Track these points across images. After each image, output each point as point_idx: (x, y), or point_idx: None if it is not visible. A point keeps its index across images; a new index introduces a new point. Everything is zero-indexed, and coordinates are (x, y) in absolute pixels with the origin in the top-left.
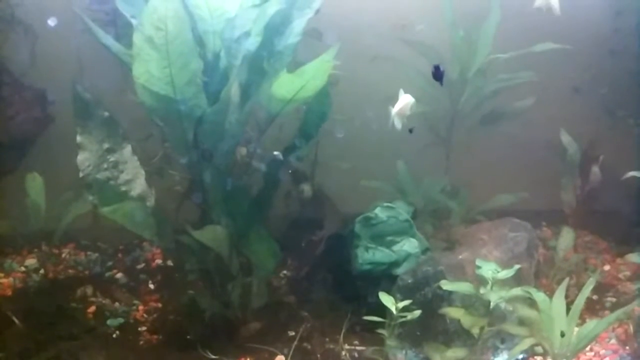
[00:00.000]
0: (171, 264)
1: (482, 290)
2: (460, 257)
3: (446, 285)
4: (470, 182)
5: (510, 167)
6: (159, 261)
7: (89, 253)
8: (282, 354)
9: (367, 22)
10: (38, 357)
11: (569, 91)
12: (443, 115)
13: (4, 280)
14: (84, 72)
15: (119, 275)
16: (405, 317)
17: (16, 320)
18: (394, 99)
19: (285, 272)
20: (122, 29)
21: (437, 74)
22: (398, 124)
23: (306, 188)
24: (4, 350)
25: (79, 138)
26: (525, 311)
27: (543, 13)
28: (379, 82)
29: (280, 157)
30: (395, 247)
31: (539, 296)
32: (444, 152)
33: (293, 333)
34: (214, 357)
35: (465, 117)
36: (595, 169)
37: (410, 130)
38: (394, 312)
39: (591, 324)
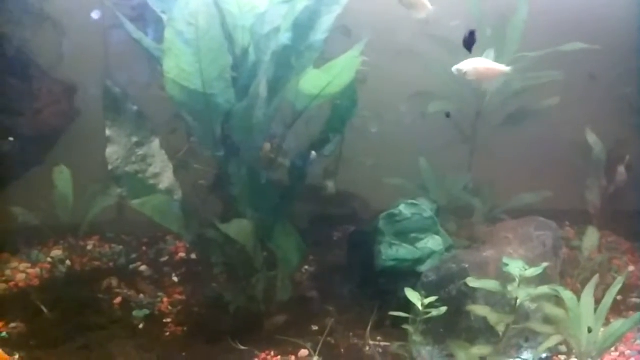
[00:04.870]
0: (195, 258)
1: (509, 288)
2: (485, 255)
3: (473, 282)
4: (493, 180)
5: (533, 166)
6: (182, 254)
7: (113, 245)
8: (306, 348)
9: (392, 18)
10: (67, 346)
11: (594, 90)
12: (468, 113)
13: (31, 271)
14: (111, 66)
15: (143, 267)
16: (430, 313)
17: (45, 310)
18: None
19: (306, 267)
20: (150, 24)
21: (469, 40)
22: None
23: (330, 184)
24: (34, 339)
25: (108, 131)
26: (552, 309)
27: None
28: (404, 79)
29: (316, 156)
30: (419, 244)
31: (567, 294)
32: (468, 149)
33: (316, 327)
34: (243, 347)
35: (490, 115)
36: (621, 169)
37: (447, 115)
38: (420, 308)
39: (618, 322)
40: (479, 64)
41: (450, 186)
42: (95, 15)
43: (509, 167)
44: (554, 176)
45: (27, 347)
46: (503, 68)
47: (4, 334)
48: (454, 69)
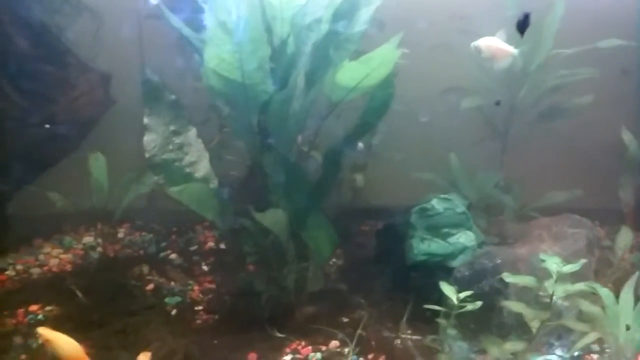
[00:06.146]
0: (223, 247)
1: (546, 284)
2: (519, 251)
3: (508, 277)
4: (524, 177)
5: (564, 163)
6: (211, 244)
7: (143, 233)
8: (337, 339)
9: (426, 13)
10: (103, 329)
11: (628, 87)
12: (500, 109)
13: (63, 256)
14: (146, 56)
15: (173, 255)
16: (464, 307)
17: (79, 294)
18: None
19: (334, 260)
20: (186, 14)
21: (523, 23)
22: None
23: (359, 178)
24: (70, 322)
25: (146, 119)
26: (588, 307)
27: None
28: (436, 74)
29: (362, 146)
30: (451, 239)
31: (604, 292)
32: (499, 146)
33: (347, 319)
34: (280, 335)
35: (523, 111)
36: None
37: (497, 103)
38: (455, 302)
39: None
40: (492, 43)
41: (481, 182)
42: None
43: (540, 165)
44: (585, 175)
45: (64, 330)
46: (511, 50)
47: (40, 316)
48: (472, 45)
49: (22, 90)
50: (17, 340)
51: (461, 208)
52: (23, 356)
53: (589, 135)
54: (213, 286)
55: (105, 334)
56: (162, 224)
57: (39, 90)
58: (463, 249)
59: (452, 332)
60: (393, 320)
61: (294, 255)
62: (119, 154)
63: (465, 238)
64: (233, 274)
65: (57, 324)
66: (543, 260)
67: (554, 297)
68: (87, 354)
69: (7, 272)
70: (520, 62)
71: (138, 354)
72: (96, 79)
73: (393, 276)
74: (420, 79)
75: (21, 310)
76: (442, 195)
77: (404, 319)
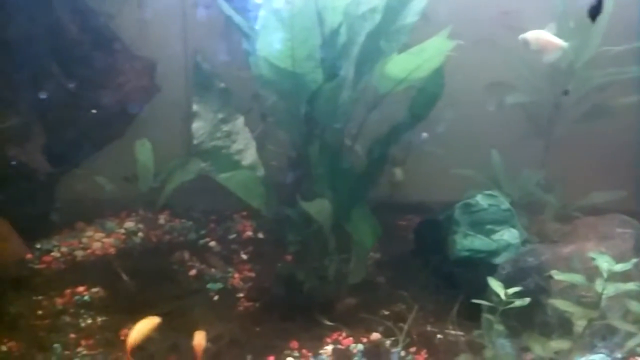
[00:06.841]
0: (262, 237)
1: (597, 282)
2: (564, 250)
3: (558, 275)
4: (566, 177)
5: (608, 164)
6: (249, 233)
7: (183, 220)
8: (378, 331)
9: (470, 7)
10: (150, 312)
11: None
12: (544, 106)
13: (106, 240)
14: (191, 44)
15: (213, 243)
16: (511, 303)
17: (125, 277)
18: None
19: (371, 253)
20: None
21: (596, 9)
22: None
23: (398, 172)
24: (116, 304)
25: (195, 107)
26: (638, 307)
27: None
28: (479, 69)
29: (427, 136)
30: (495, 236)
31: None
32: (542, 144)
33: (387, 312)
34: (327, 323)
35: (568, 109)
36: None
37: (565, 93)
38: (503, 298)
39: None
40: (542, 36)
41: (523, 180)
42: None
43: (583, 164)
44: (628, 176)
45: (111, 312)
46: (561, 43)
47: (86, 297)
48: (520, 37)
49: (70, 75)
50: (66, 319)
51: (506, 205)
52: (72, 335)
53: (633, 136)
54: (252, 274)
55: (152, 316)
56: (200, 212)
57: (86, 76)
58: (507, 246)
59: (499, 328)
60: (434, 315)
61: (336, 246)
62: (162, 141)
63: (509, 235)
64: (272, 263)
65: (103, 306)
66: (593, 259)
67: (606, 295)
68: None
69: (52, 254)
70: (572, 55)
71: (186, 336)
72: (142, 66)
73: (434, 271)
74: (463, 73)
75: (68, 291)
76: (487, 192)
77: (454, 311)
